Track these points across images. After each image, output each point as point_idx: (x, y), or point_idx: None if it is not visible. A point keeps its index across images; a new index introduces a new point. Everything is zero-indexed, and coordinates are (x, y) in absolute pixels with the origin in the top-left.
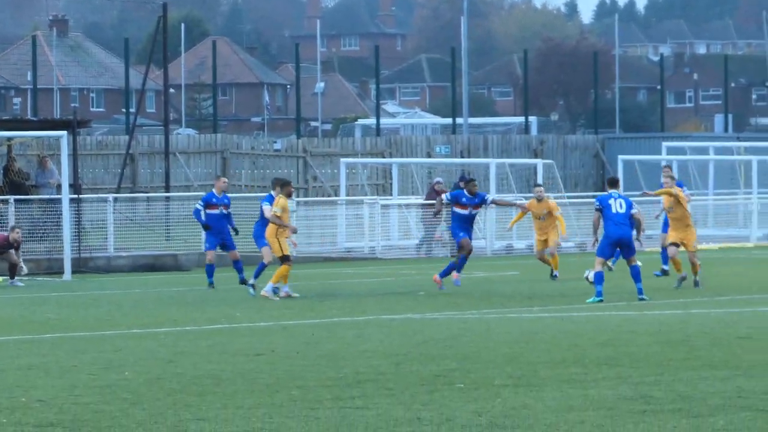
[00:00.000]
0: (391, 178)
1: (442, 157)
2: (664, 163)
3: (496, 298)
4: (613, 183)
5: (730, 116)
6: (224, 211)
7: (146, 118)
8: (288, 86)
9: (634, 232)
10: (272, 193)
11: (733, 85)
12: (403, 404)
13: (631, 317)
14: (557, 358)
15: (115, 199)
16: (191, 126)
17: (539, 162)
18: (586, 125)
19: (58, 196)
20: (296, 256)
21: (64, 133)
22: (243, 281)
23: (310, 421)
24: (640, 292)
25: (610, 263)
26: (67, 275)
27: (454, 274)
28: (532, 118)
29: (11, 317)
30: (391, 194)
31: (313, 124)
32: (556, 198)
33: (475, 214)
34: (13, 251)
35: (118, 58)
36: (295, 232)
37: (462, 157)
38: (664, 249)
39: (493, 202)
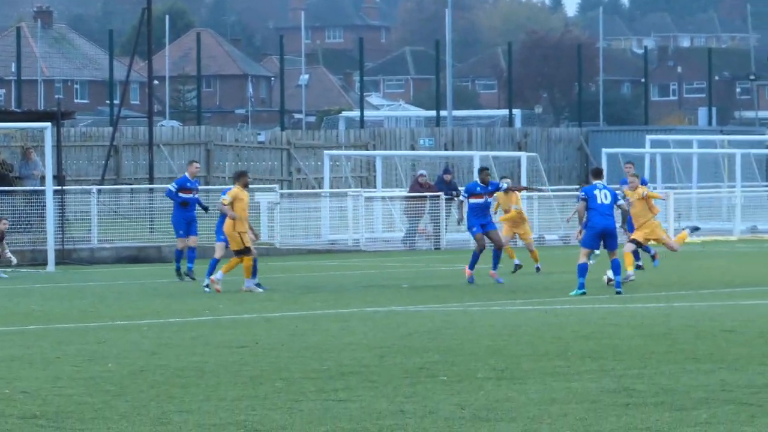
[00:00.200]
0: (374, 171)
1: (426, 150)
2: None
3: (479, 290)
4: (597, 174)
5: (713, 109)
6: (195, 196)
7: (130, 109)
8: (272, 78)
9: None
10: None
11: (717, 78)
12: (386, 397)
13: (615, 310)
14: (540, 351)
15: (99, 191)
16: (175, 118)
17: (523, 155)
18: (570, 118)
19: (42, 188)
20: (279, 248)
21: (48, 124)
22: (188, 272)
23: (294, 413)
24: (617, 285)
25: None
26: (51, 267)
27: (491, 272)
28: (516, 111)
29: None
30: (374, 187)
31: (297, 116)
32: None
33: (491, 202)
34: None
35: (103, 49)
36: (234, 218)
37: (446, 149)
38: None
39: (509, 189)
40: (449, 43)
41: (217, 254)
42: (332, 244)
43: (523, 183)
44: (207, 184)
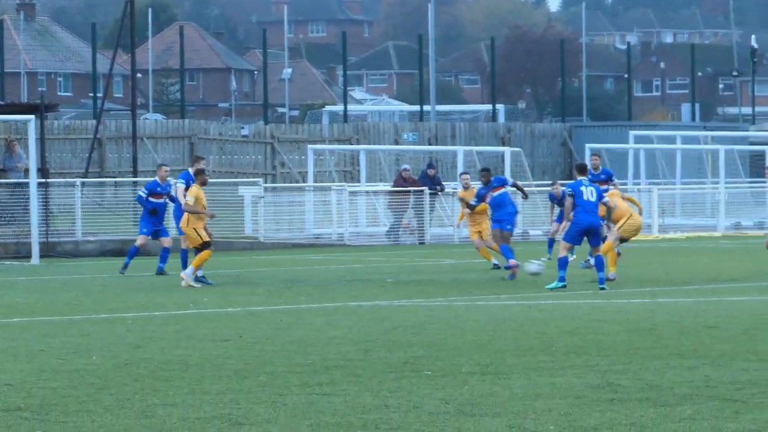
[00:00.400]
0: (358, 165)
1: (409, 144)
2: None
3: (464, 285)
4: (582, 170)
5: (697, 105)
6: (166, 200)
7: (114, 102)
8: (255, 72)
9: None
10: (189, 170)
11: (700, 74)
12: (370, 391)
13: (599, 306)
14: (525, 346)
15: (83, 184)
16: (159, 111)
17: (507, 150)
18: (554, 113)
19: (26, 181)
20: (264, 242)
21: (31, 117)
22: (161, 271)
23: (278, 407)
24: (601, 281)
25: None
26: (35, 260)
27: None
28: (500, 106)
29: None
30: (358, 181)
31: (280, 110)
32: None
33: (501, 198)
34: None
35: (86, 42)
36: (212, 217)
37: (429, 144)
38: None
39: (514, 185)
40: (432, 37)
41: (183, 244)
42: (316, 238)
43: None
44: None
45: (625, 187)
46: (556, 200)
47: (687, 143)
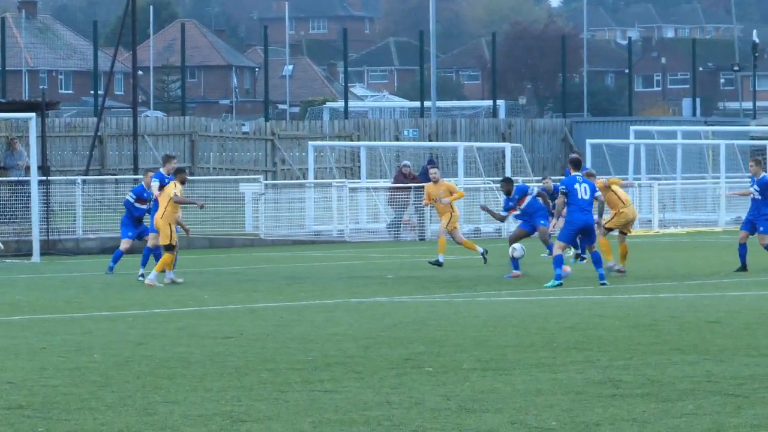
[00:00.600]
0: (359, 161)
1: (410, 141)
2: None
3: (464, 281)
4: (577, 164)
5: (698, 100)
6: (149, 207)
7: (115, 100)
8: (256, 69)
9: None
10: (162, 170)
11: (701, 69)
12: (372, 388)
13: (600, 301)
14: (526, 342)
15: (84, 181)
16: (159, 108)
17: (507, 145)
18: (554, 109)
19: (27, 178)
20: (264, 239)
21: (32, 114)
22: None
23: (280, 403)
24: (601, 277)
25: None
26: (36, 257)
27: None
28: (500, 102)
29: None
30: (359, 177)
31: (281, 106)
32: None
33: (530, 206)
34: None
35: (87, 40)
36: (202, 207)
37: (430, 140)
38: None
39: (539, 194)
40: (433, 33)
41: (150, 243)
42: (317, 234)
43: (508, 173)
44: (192, 175)
45: (626, 182)
46: (549, 194)
47: (688, 138)
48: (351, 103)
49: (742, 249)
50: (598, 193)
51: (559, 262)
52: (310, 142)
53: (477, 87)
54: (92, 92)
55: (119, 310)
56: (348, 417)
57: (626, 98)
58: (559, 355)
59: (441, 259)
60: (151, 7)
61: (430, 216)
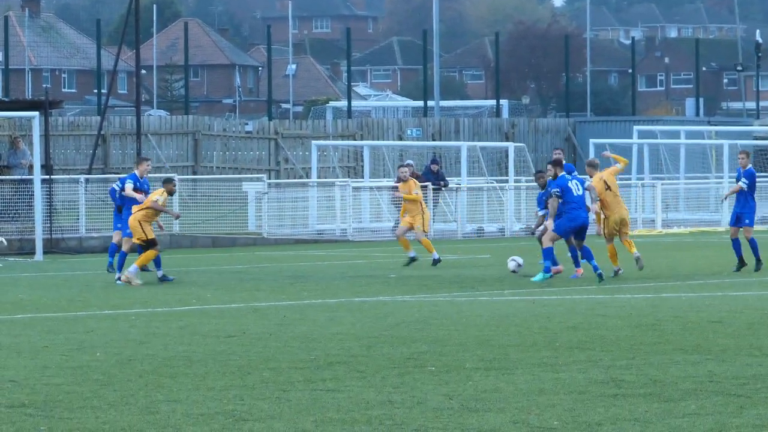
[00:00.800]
0: (362, 161)
1: (413, 140)
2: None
3: (467, 281)
4: (559, 164)
5: (701, 100)
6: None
7: (118, 99)
8: (260, 68)
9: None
10: (135, 171)
11: (704, 69)
12: (374, 387)
13: (602, 301)
14: (528, 342)
15: (87, 180)
16: (163, 107)
17: (510, 145)
18: (558, 108)
19: (30, 177)
20: (267, 238)
21: (35, 113)
22: (111, 266)
23: (282, 402)
24: (596, 268)
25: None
26: (39, 256)
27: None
28: (504, 102)
29: None
30: (362, 177)
31: (284, 106)
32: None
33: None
34: None
35: (90, 39)
36: (177, 217)
37: (433, 140)
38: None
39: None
40: (436, 33)
41: (125, 247)
42: (320, 234)
43: (511, 173)
44: (194, 173)
45: (629, 182)
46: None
47: (691, 138)
48: (354, 103)
49: (735, 244)
50: (587, 183)
51: (549, 254)
52: (313, 142)
53: (480, 86)
54: (95, 91)
55: (122, 309)
56: (350, 416)
57: (629, 98)
58: (561, 355)
59: (436, 256)
60: (155, 5)
61: (433, 215)
